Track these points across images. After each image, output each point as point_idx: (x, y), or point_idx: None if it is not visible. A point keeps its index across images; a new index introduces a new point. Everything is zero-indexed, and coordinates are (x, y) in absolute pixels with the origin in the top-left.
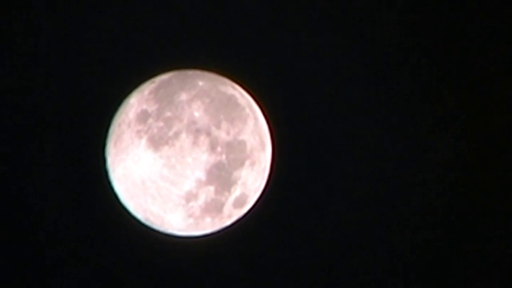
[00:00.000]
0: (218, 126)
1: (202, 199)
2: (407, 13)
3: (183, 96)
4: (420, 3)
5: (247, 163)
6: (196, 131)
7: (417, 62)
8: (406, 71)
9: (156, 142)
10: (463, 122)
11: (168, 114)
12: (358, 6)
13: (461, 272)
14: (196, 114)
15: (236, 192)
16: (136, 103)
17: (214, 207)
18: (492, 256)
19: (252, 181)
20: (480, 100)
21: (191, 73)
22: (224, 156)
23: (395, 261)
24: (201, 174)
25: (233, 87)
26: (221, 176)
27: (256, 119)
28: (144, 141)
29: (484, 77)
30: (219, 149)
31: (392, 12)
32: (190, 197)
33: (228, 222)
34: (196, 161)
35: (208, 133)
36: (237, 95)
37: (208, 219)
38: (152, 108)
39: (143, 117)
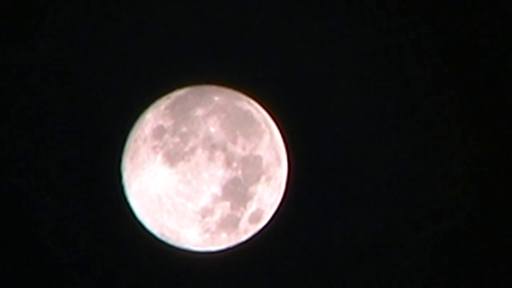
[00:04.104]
0: (234, 142)
1: (218, 214)
2: (421, 13)
3: (199, 112)
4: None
5: (263, 178)
6: (212, 147)
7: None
8: (428, 80)
9: (172, 158)
10: (474, 125)
11: (184, 129)
12: (379, 22)
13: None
14: (212, 129)
15: (252, 207)
16: (152, 119)
17: (230, 223)
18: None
19: (268, 196)
20: (487, 101)
21: (207, 88)
22: (240, 172)
23: (413, 277)
24: (217, 190)
25: (249, 103)
26: (237, 192)
27: (272, 134)
28: (160, 156)
29: (487, 77)
30: (235, 164)
31: (412, 14)
32: (206, 212)
33: (244, 237)
34: (212, 177)
35: (224, 149)
36: (253, 111)
37: (224, 235)
38: (168, 123)
39: (159, 132)
